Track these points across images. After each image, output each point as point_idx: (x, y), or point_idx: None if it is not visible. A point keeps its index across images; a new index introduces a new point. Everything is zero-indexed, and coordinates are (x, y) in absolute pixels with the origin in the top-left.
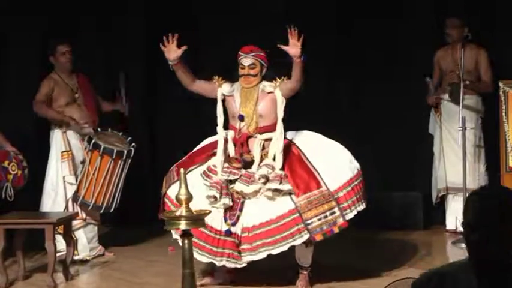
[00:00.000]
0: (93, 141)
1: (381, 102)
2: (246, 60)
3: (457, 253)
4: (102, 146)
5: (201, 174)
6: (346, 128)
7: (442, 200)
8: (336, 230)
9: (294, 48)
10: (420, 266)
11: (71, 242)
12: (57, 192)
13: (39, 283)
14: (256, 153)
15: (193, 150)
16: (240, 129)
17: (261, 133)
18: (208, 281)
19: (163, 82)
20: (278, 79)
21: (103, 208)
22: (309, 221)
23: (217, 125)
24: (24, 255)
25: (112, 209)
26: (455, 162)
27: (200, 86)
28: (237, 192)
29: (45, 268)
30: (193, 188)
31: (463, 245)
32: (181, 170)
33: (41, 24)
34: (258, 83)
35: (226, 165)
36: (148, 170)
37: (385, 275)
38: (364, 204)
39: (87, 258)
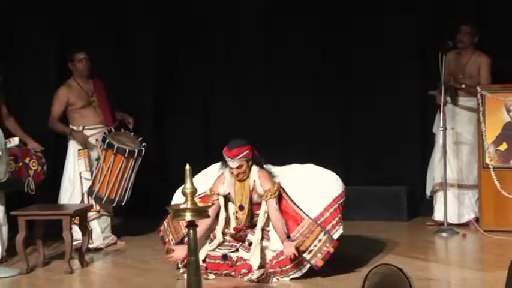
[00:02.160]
0: (107, 141)
1: (371, 102)
2: (233, 164)
3: (438, 241)
4: (116, 146)
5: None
6: (337, 127)
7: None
8: (331, 250)
9: (288, 254)
10: (404, 253)
11: (86, 231)
12: (74, 186)
13: (57, 269)
14: (259, 225)
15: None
16: (239, 218)
17: (256, 211)
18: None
19: (174, 84)
20: (269, 187)
21: (115, 201)
22: (305, 253)
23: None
24: (44, 244)
25: (124, 202)
26: (451, 159)
27: (214, 214)
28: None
29: (63, 255)
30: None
31: (444, 234)
32: (187, 166)
33: (59, 26)
34: (249, 173)
35: (228, 238)
36: (157, 167)
37: (372, 262)
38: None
39: (101, 246)
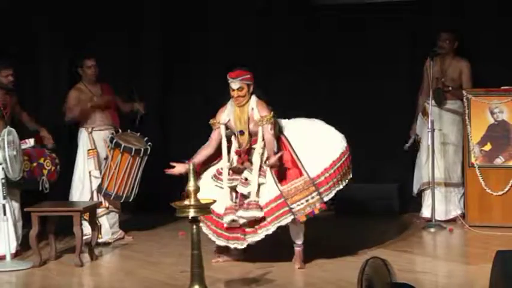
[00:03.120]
0: (114, 140)
1: (363, 105)
2: (234, 84)
3: (426, 236)
4: (123, 145)
5: (211, 177)
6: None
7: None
8: (316, 211)
9: (272, 163)
10: (395, 247)
11: (95, 227)
12: (84, 184)
13: (68, 262)
14: (256, 160)
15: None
16: (240, 143)
17: (255, 144)
18: (224, 258)
19: (178, 82)
20: (265, 114)
21: (123, 198)
22: (293, 205)
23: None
24: (56, 239)
25: (131, 199)
26: (438, 159)
27: (216, 141)
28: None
29: (74, 249)
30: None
31: (432, 229)
32: (191, 165)
33: (65, 25)
34: (248, 99)
35: (230, 172)
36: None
37: (364, 254)
38: (345, 181)
39: (110, 241)
